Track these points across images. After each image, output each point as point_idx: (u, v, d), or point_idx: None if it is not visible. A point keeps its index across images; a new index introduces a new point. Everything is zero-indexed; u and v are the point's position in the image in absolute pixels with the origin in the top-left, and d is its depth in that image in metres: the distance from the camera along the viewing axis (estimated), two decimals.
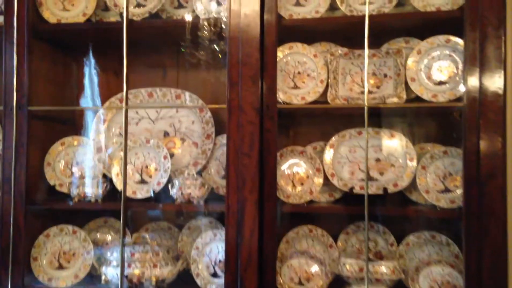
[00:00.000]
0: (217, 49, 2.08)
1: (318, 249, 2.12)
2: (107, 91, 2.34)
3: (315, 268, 2.00)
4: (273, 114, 1.92)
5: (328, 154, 2.10)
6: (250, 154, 1.89)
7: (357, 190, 2.04)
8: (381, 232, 2.09)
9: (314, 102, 2.05)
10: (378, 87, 2.04)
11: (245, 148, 1.89)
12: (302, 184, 2.08)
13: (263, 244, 1.90)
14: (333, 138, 2.11)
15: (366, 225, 1.89)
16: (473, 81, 1.77)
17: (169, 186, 2.05)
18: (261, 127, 1.91)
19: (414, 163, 2.00)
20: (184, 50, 2.18)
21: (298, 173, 2.09)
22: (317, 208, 2.09)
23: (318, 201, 2.13)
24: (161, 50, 2.44)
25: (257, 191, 1.88)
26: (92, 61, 2.43)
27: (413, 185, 2.00)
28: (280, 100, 2.01)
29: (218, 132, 2.15)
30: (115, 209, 2.05)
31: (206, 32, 2.04)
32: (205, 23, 2.03)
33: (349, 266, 1.91)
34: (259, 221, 1.89)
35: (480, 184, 1.76)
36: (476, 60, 1.77)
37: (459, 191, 1.93)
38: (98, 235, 2.26)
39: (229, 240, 1.89)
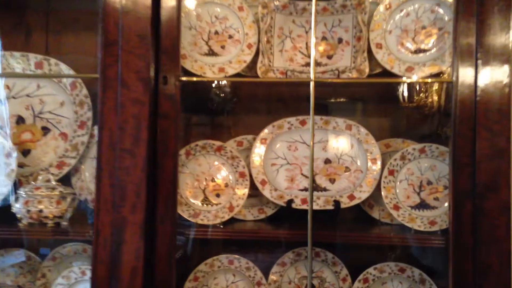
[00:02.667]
0: None
1: (242, 287, 1.47)
2: None
3: None
4: (174, 90, 1.25)
5: (258, 152, 1.46)
6: (134, 152, 1.21)
7: (297, 204, 1.42)
8: (329, 263, 1.48)
9: (238, 75, 1.40)
10: (330, 57, 1.42)
11: (126, 142, 1.21)
12: (218, 196, 1.43)
13: None
14: (265, 130, 1.48)
15: (309, 253, 1.27)
16: (469, 46, 1.18)
17: (12, 199, 1.32)
18: (154, 111, 1.24)
19: (378, 166, 1.41)
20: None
21: (213, 180, 1.43)
22: (238, 232, 1.43)
23: (242, 219, 1.48)
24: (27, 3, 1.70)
25: (143, 208, 1.21)
26: None
27: (375, 197, 1.42)
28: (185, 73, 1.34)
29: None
30: None
31: None
32: None
33: None
34: (147, 254, 1.22)
35: (477, 198, 1.18)
36: (472, 12, 1.18)
37: (442, 208, 1.34)
38: None
39: (97, 285, 1.20)
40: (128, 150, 1.22)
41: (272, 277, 1.50)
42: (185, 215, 1.37)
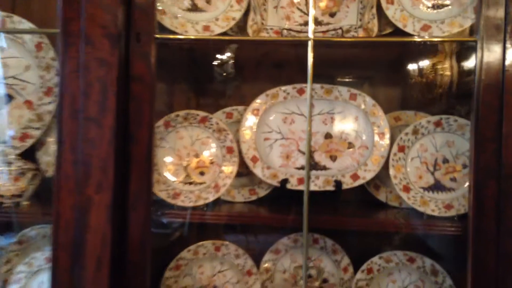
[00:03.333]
0: None
1: (230, 276, 1.31)
2: None
3: None
4: (149, 49, 1.07)
5: (248, 125, 1.27)
6: (100, 121, 1.03)
7: (293, 184, 1.24)
8: (329, 251, 1.31)
9: (225, 35, 1.21)
10: (332, 15, 1.23)
11: (91, 110, 1.04)
12: (202, 174, 1.25)
13: (126, 280, 1.07)
14: (258, 100, 1.29)
15: (305, 239, 1.10)
16: None
17: None
18: (125, 73, 1.06)
19: (387, 141, 1.22)
20: None
21: (196, 156, 1.26)
22: (224, 215, 1.25)
23: (230, 200, 1.31)
24: None
25: (111, 187, 1.03)
26: None
27: (382, 177, 1.25)
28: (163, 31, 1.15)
29: None
30: None
31: None
32: None
33: None
34: (117, 240, 1.05)
35: (502, 179, 1.00)
36: None
37: (461, 190, 1.16)
38: None
39: (58, 277, 1.03)
40: (93, 119, 1.04)
41: (265, 265, 1.33)
42: (163, 195, 1.20)
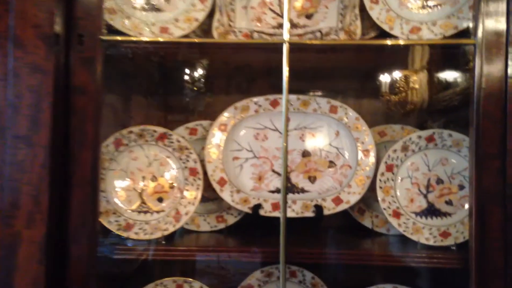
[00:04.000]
0: None
1: None
2: None
3: None
4: (93, 54, 0.90)
5: (215, 142, 1.11)
6: (31, 140, 0.86)
7: (267, 210, 1.08)
8: (308, 285, 1.15)
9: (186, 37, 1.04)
10: (309, 16, 1.08)
11: (20, 126, 0.85)
12: (160, 200, 1.07)
13: None
14: (225, 114, 1.13)
15: (282, 273, 0.93)
16: None
17: None
18: (65, 83, 0.89)
19: (372, 160, 1.08)
20: None
21: (153, 180, 1.08)
22: (185, 251, 1.07)
23: (195, 230, 1.13)
24: None
25: (45, 219, 0.85)
26: None
27: (368, 200, 1.11)
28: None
29: None
30: None
31: None
32: None
33: None
34: (53, 284, 0.86)
35: (508, 201, 0.87)
36: None
37: (459, 214, 1.02)
38: None
39: None
40: (22, 137, 0.85)
41: None
42: (112, 227, 1.01)
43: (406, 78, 1.15)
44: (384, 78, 1.18)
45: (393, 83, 1.16)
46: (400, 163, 1.06)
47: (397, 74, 1.15)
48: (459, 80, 1.14)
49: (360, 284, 1.13)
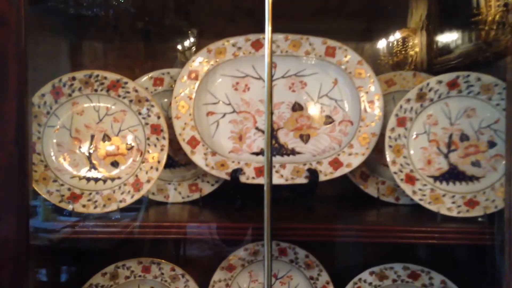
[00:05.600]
0: None
1: None
2: None
3: None
4: None
5: (185, 94, 0.89)
6: None
7: (249, 176, 0.88)
8: (301, 265, 0.96)
9: None
10: None
11: None
12: (114, 164, 0.86)
13: None
14: (197, 59, 0.91)
15: (266, 251, 0.73)
16: None
17: None
18: None
19: (378, 112, 0.86)
20: None
21: (106, 139, 0.86)
22: (149, 227, 0.86)
23: (163, 201, 0.93)
24: None
25: None
26: None
27: (372, 163, 0.91)
28: None
29: None
30: None
31: None
32: None
33: None
34: None
35: None
36: None
37: (489, 178, 0.82)
38: None
39: None
40: None
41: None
42: (53, 199, 0.80)
43: (404, 40, 1.04)
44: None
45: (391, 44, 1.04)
46: (414, 115, 0.85)
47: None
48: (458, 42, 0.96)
49: (363, 263, 0.94)
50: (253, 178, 0.90)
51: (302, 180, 0.89)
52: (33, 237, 0.77)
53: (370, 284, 0.93)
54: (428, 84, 0.84)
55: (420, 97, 0.85)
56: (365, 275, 0.93)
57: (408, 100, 0.85)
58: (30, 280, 0.73)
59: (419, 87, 0.85)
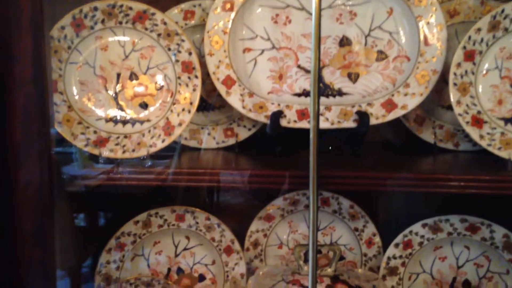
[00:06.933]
0: None
1: (201, 256, 0.90)
2: None
3: None
4: None
5: (219, 28, 0.80)
6: None
7: (291, 119, 0.80)
8: (346, 216, 0.89)
9: None
10: None
11: None
12: (144, 106, 0.79)
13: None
14: None
15: (312, 201, 0.65)
16: None
17: None
18: None
19: (441, 45, 0.75)
20: None
21: (133, 78, 0.78)
22: (182, 174, 0.79)
23: (196, 147, 0.87)
24: None
25: None
26: None
27: (429, 104, 0.81)
28: None
29: None
30: None
31: None
32: None
33: None
34: None
35: None
36: None
37: None
38: None
39: None
40: None
41: (251, 238, 0.91)
42: (78, 142, 0.74)
43: None
44: None
45: None
46: (485, 48, 0.73)
47: None
48: None
49: (415, 216, 0.86)
50: (295, 121, 0.81)
51: (350, 124, 0.80)
52: (70, 184, 0.75)
53: (422, 237, 0.85)
54: (503, 11, 0.72)
55: (493, 26, 0.72)
56: (417, 227, 0.85)
57: (479, 30, 0.73)
58: (65, 225, 0.69)
59: (491, 15, 0.72)
